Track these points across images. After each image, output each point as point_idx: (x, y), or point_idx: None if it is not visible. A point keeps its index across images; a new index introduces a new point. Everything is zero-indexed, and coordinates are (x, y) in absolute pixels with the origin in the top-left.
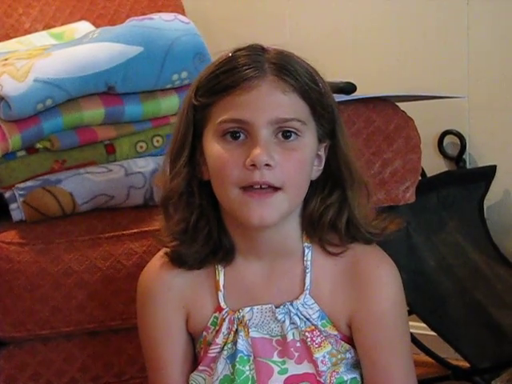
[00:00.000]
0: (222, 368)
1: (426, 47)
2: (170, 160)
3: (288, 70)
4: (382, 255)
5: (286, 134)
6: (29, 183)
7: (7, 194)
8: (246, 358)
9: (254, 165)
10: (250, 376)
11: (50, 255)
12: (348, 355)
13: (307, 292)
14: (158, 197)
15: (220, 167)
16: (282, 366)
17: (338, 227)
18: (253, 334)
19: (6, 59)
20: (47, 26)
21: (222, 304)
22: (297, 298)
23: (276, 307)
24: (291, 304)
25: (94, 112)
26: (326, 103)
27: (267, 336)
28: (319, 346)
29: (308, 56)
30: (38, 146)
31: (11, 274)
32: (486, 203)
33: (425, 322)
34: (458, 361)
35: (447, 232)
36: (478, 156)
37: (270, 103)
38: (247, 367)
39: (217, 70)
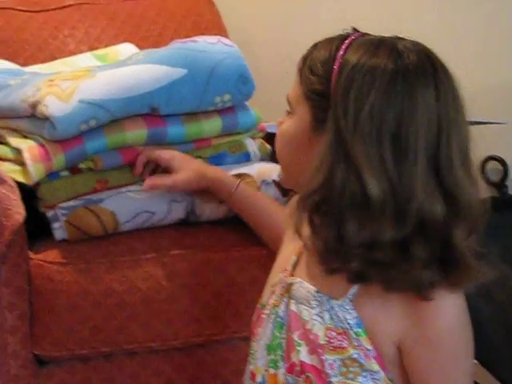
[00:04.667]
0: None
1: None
2: None
3: (305, 54)
4: None
5: None
6: (71, 202)
7: (50, 213)
8: (282, 325)
9: None
10: (281, 344)
11: (90, 275)
12: (365, 376)
13: (348, 299)
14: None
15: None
16: (299, 348)
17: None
18: (292, 306)
19: (51, 80)
20: (91, 48)
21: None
22: (337, 298)
23: (317, 292)
24: (329, 299)
25: (136, 133)
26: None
27: (298, 313)
28: (334, 349)
29: None
30: (82, 165)
31: (52, 294)
32: None
33: None
34: None
35: (488, 258)
36: None
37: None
38: (280, 334)
39: None
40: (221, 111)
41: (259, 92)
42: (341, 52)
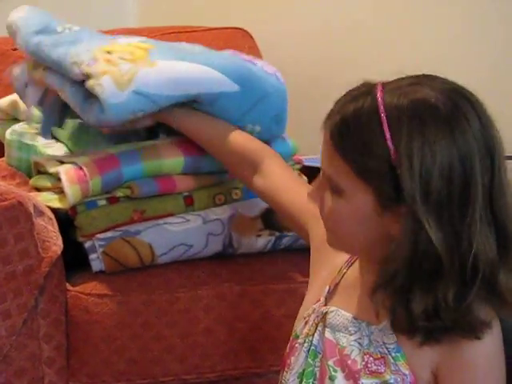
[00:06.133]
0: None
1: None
2: None
3: (332, 118)
4: None
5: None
6: (109, 234)
7: (87, 244)
8: (316, 353)
9: None
10: (314, 372)
11: (127, 307)
12: None
13: (389, 324)
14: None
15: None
16: (334, 374)
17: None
18: (327, 334)
19: (109, 52)
20: None
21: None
22: (377, 324)
23: (354, 318)
24: (368, 325)
25: (173, 160)
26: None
27: (334, 341)
28: (371, 374)
29: None
30: (119, 194)
31: (89, 325)
32: None
33: None
34: None
35: None
36: None
37: (323, 155)
38: (314, 362)
39: None
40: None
41: (296, 125)
42: (385, 125)
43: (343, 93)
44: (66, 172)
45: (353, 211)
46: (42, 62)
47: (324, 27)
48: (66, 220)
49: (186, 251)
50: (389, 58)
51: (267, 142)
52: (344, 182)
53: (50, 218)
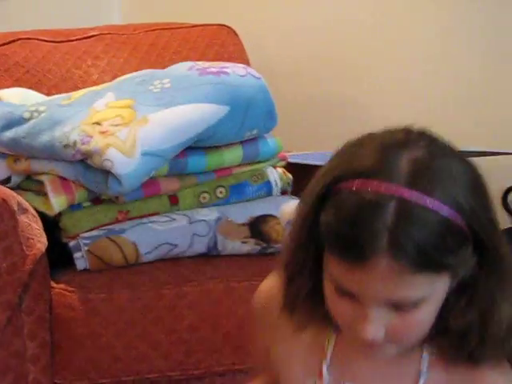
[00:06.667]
0: None
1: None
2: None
3: (404, 246)
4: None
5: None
6: (93, 233)
7: (72, 243)
8: None
9: None
10: None
11: (112, 305)
12: None
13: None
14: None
15: (332, 308)
16: None
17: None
18: None
19: (97, 123)
20: (114, 78)
21: (324, 373)
22: None
23: None
24: None
25: None
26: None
27: None
28: None
29: (373, 107)
30: (103, 196)
31: (74, 323)
32: None
33: None
34: None
35: None
36: None
37: (384, 286)
38: None
39: (340, 223)
40: (242, 140)
41: (281, 122)
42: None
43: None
44: (50, 181)
45: (436, 305)
46: (23, 154)
47: (308, 23)
48: (50, 219)
49: (171, 250)
50: (376, 54)
51: (259, 138)
52: (424, 290)
53: (34, 216)
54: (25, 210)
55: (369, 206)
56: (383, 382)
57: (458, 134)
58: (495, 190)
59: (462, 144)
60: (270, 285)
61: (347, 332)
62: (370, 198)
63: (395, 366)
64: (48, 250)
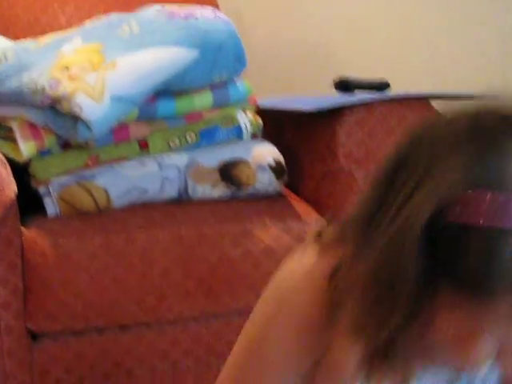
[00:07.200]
0: None
1: (461, 42)
2: None
3: None
4: None
5: None
6: (63, 178)
7: (42, 189)
8: None
9: None
10: None
11: (85, 250)
12: None
13: None
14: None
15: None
16: None
17: None
18: None
19: (66, 67)
20: (82, 23)
21: None
22: None
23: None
24: None
25: None
26: None
27: None
28: None
29: (342, 53)
30: (73, 142)
31: (46, 269)
32: None
33: None
34: None
35: None
36: None
37: None
38: None
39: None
40: (212, 84)
41: (250, 67)
42: None
43: None
44: (19, 127)
45: None
46: None
47: None
48: (19, 166)
49: (141, 195)
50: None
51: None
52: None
53: (3, 162)
54: None
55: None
56: None
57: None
58: None
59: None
60: (310, 268)
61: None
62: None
63: None
64: (18, 196)
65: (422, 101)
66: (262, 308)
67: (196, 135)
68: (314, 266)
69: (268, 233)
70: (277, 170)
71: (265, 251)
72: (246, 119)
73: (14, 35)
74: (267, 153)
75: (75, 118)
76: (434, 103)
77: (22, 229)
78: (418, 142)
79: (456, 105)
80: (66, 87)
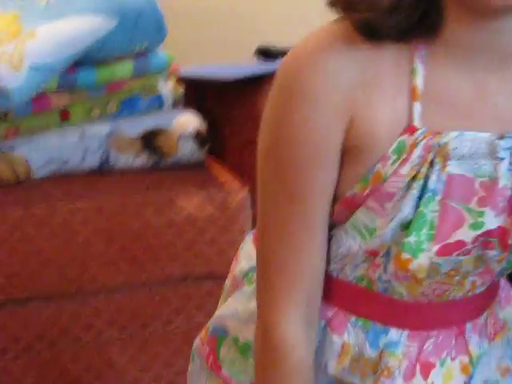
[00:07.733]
0: (408, 209)
1: None
2: None
3: None
4: None
5: None
6: None
7: None
8: (433, 198)
9: None
10: (429, 220)
11: (5, 222)
12: None
13: None
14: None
15: None
16: (478, 219)
17: None
18: (451, 168)
19: None
20: None
21: (417, 122)
22: None
23: (498, 138)
24: None
25: None
26: None
27: (470, 174)
28: None
29: (266, 21)
30: None
31: None
32: None
33: None
34: None
35: None
36: None
37: None
38: (429, 208)
39: None
40: (132, 53)
41: (172, 35)
42: None
43: None
44: None
45: None
46: None
47: None
48: None
49: (63, 166)
50: None
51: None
52: None
53: None
54: None
55: None
56: (496, 114)
57: None
58: None
59: None
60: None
61: None
62: None
63: (509, 91)
64: None
65: None
66: (277, 103)
67: (117, 105)
68: (323, 33)
69: (191, 201)
70: (199, 138)
71: (188, 220)
72: (168, 88)
73: None
74: (190, 122)
75: None
76: None
77: None
78: None
79: None
80: None
